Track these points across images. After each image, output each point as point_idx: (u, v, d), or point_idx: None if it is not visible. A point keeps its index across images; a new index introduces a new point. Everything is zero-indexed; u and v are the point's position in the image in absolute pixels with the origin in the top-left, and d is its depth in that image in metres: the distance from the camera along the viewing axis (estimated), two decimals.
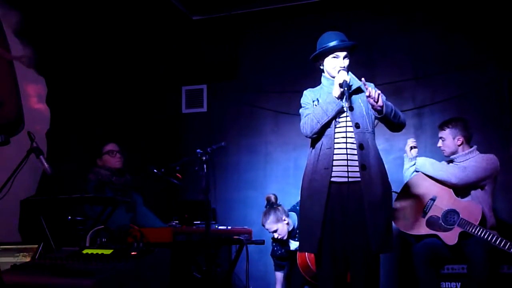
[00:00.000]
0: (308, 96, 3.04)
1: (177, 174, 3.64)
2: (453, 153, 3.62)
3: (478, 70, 4.50)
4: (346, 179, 2.82)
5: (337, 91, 2.82)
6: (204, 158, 3.17)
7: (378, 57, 4.86)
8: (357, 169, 2.81)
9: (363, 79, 2.85)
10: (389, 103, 2.86)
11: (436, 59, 4.68)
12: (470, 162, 3.52)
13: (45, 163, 2.82)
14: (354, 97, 2.92)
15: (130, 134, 4.47)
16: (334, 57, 2.95)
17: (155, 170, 3.54)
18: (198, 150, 3.21)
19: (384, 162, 2.92)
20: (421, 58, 4.74)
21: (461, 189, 3.51)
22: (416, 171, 3.70)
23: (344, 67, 2.92)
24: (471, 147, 3.61)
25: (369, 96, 2.75)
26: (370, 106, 2.85)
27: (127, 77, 4.72)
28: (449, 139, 3.62)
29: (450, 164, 3.63)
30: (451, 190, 3.50)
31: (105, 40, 4.40)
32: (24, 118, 1.88)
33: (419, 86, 4.73)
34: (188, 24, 5.33)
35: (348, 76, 2.86)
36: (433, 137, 4.36)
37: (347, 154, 2.83)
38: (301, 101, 3.06)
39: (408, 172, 3.74)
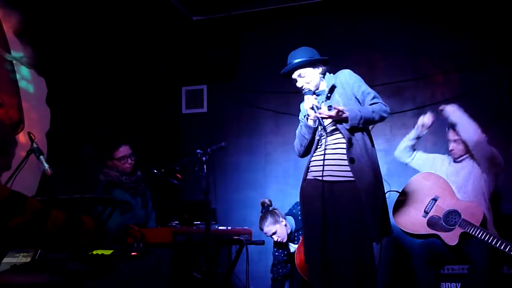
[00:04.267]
0: (302, 111, 3.13)
1: (177, 175, 3.64)
2: (462, 155, 3.62)
3: (478, 70, 4.50)
4: (321, 178, 2.89)
5: (310, 118, 2.93)
6: (204, 158, 3.16)
7: (378, 57, 4.85)
8: (338, 168, 2.86)
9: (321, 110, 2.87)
10: (359, 111, 2.85)
11: (436, 59, 4.68)
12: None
13: (45, 164, 2.82)
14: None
15: (130, 135, 4.47)
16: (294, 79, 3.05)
17: (155, 171, 3.54)
18: (198, 151, 3.21)
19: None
20: (421, 58, 4.73)
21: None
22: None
23: (306, 88, 2.97)
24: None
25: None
26: (349, 99, 2.92)
27: (127, 77, 4.71)
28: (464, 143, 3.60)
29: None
30: (453, 190, 3.50)
31: (105, 40, 4.40)
32: (24, 118, 1.88)
33: (419, 86, 4.73)
34: (188, 24, 5.32)
35: (313, 101, 2.91)
36: (432, 137, 4.36)
37: (324, 154, 2.89)
38: (299, 118, 3.15)
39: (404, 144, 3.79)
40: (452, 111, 3.56)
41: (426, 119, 3.68)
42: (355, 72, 3.04)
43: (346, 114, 2.82)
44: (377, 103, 2.92)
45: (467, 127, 3.50)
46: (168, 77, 5.36)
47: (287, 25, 5.20)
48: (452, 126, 3.65)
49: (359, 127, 2.85)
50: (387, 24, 4.86)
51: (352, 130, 2.87)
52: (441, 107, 3.63)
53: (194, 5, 5.13)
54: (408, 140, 3.78)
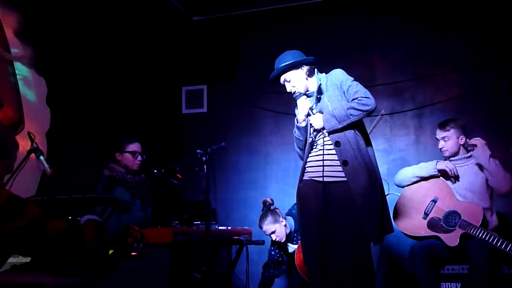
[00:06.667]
0: (296, 114, 3.12)
1: (177, 175, 3.64)
2: (455, 154, 3.59)
3: (478, 70, 4.50)
4: (321, 179, 2.87)
5: (301, 117, 2.97)
6: (204, 158, 3.17)
7: (378, 57, 4.85)
8: (336, 168, 2.84)
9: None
10: (333, 110, 2.84)
11: (436, 59, 4.68)
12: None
13: (45, 164, 2.82)
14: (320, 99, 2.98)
15: (130, 135, 4.47)
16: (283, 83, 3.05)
17: (155, 171, 3.54)
18: (198, 151, 3.21)
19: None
20: (421, 58, 4.73)
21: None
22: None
23: (296, 92, 2.98)
24: (467, 151, 3.60)
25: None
26: (339, 100, 2.87)
27: (127, 77, 4.71)
28: (453, 139, 3.57)
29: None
30: (452, 191, 3.50)
31: (105, 40, 4.39)
32: (24, 118, 1.88)
33: (419, 86, 4.73)
34: (188, 25, 5.32)
35: (308, 103, 2.93)
36: (433, 138, 4.35)
37: (323, 154, 2.87)
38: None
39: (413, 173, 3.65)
40: (482, 151, 3.44)
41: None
42: (355, 71, 3.03)
43: (319, 123, 2.86)
44: (357, 98, 2.83)
45: (498, 179, 3.42)
46: (168, 77, 5.36)
47: (287, 25, 5.19)
48: (442, 125, 3.64)
49: (339, 127, 2.82)
50: (387, 24, 4.86)
51: (342, 130, 2.84)
52: (472, 142, 3.49)
53: (194, 5, 5.13)
54: (419, 177, 3.60)
